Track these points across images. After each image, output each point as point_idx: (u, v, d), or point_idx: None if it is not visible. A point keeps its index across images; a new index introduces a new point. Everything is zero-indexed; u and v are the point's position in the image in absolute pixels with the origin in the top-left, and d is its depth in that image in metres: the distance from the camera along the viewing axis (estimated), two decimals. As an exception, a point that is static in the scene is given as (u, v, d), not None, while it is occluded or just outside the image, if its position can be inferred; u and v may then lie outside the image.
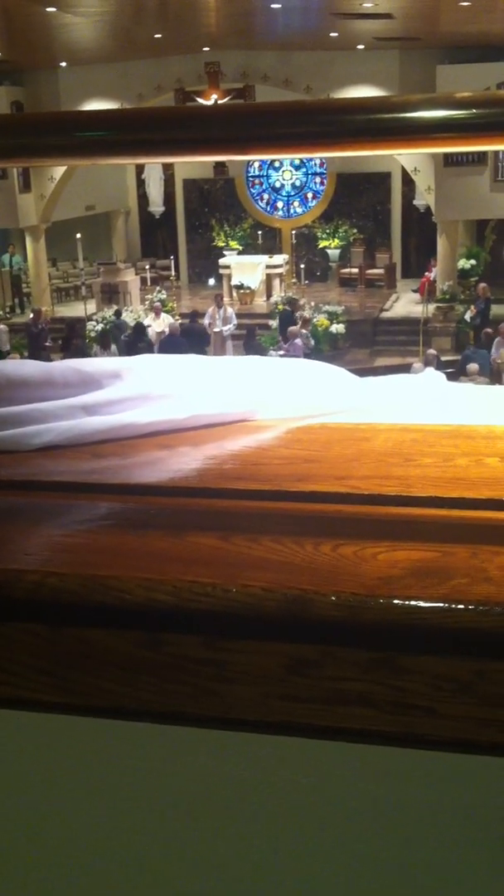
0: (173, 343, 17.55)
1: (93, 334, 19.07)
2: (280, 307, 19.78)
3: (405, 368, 14.44)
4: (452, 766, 1.05)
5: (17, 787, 1.19)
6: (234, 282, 21.63)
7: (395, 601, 1.02)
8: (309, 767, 1.09)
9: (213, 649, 1.06)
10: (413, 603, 1.01)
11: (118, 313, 19.54)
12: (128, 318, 19.53)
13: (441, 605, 1.01)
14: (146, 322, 18.93)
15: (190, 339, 17.52)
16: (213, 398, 1.64)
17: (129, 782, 1.15)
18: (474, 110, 1.21)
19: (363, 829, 1.10)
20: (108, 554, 1.17)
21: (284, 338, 17.68)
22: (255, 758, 1.10)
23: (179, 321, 19.08)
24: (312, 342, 17.59)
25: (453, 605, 1.00)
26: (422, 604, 1.01)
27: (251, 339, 18.04)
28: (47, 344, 18.65)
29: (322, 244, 24.93)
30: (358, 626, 1.02)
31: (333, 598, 1.03)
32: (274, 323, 19.17)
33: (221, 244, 25.08)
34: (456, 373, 14.80)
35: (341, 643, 1.03)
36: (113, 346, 17.93)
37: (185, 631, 1.07)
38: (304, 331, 17.46)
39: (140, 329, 18.38)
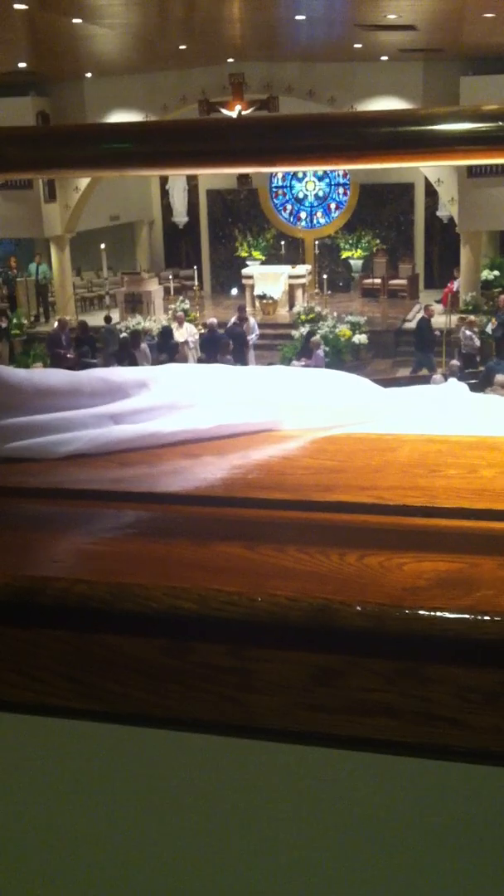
0: (212, 339, 17.83)
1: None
2: (303, 318, 19.78)
3: (427, 379, 14.40)
4: (478, 778, 1.05)
5: (44, 792, 1.19)
6: (257, 292, 21.65)
7: (421, 612, 1.02)
8: (333, 778, 1.09)
9: (238, 658, 1.07)
10: (438, 614, 1.02)
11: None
12: (153, 326, 19.60)
13: (466, 616, 1.01)
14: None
15: (214, 347, 17.70)
16: (239, 408, 1.64)
17: (153, 789, 1.15)
18: (500, 123, 1.22)
19: (387, 840, 1.10)
20: (135, 562, 1.18)
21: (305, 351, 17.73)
22: (279, 767, 1.11)
23: (202, 331, 19.17)
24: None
25: (478, 617, 1.00)
26: (447, 615, 1.01)
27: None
28: (69, 355, 18.76)
29: (345, 255, 24.93)
30: (383, 637, 1.03)
31: (359, 608, 1.03)
32: (296, 333, 19.17)
33: (244, 254, 25.13)
34: (479, 384, 14.74)
35: (366, 653, 1.04)
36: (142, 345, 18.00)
37: (210, 639, 1.08)
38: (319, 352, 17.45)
39: (167, 333, 18.53)
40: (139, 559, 1.19)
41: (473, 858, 1.08)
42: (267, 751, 1.10)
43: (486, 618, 1.00)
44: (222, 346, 17.74)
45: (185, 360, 17.57)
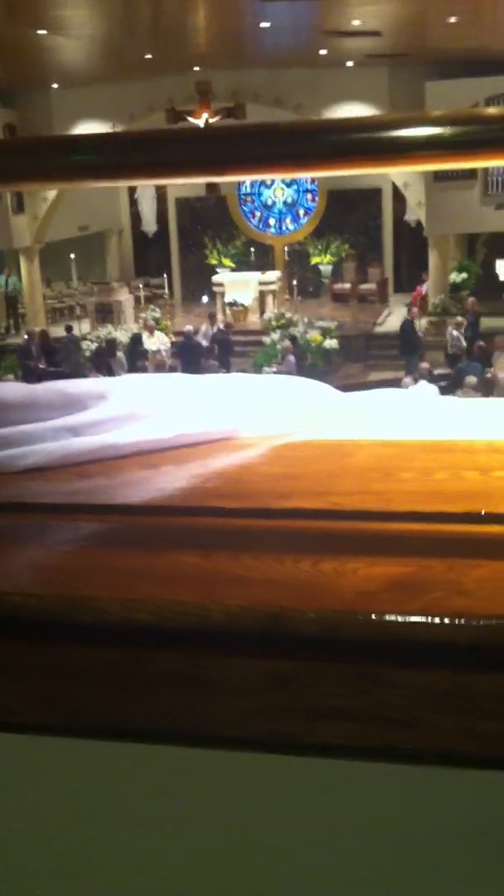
0: (187, 347, 17.94)
1: (87, 353, 19.11)
2: (273, 324, 19.82)
3: (398, 382, 14.46)
4: (433, 779, 1.06)
5: (2, 808, 1.19)
6: (228, 299, 21.67)
7: (373, 616, 1.03)
8: (291, 783, 1.10)
9: (195, 666, 1.07)
10: (390, 618, 1.02)
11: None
12: (121, 335, 19.57)
13: (417, 619, 1.02)
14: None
15: (190, 353, 17.83)
16: (197, 417, 1.65)
17: (113, 801, 1.15)
18: (456, 128, 1.23)
19: (347, 844, 1.10)
20: (90, 574, 1.18)
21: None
22: (238, 774, 1.11)
23: (173, 340, 19.19)
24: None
25: (429, 619, 1.01)
26: (399, 618, 1.02)
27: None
28: (41, 365, 18.73)
29: (314, 260, 25.01)
30: (337, 642, 1.03)
31: (312, 614, 1.04)
32: (267, 339, 19.20)
33: (214, 262, 25.14)
34: (450, 386, 14.82)
35: (321, 659, 1.04)
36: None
37: (165, 649, 1.08)
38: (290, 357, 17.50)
39: (137, 340, 18.60)
40: (94, 571, 1.19)
41: (433, 859, 1.09)
42: (227, 758, 1.10)
43: (437, 620, 1.01)
44: (207, 351, 17.82)
45: (162, 366, 17.57)
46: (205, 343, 18.51)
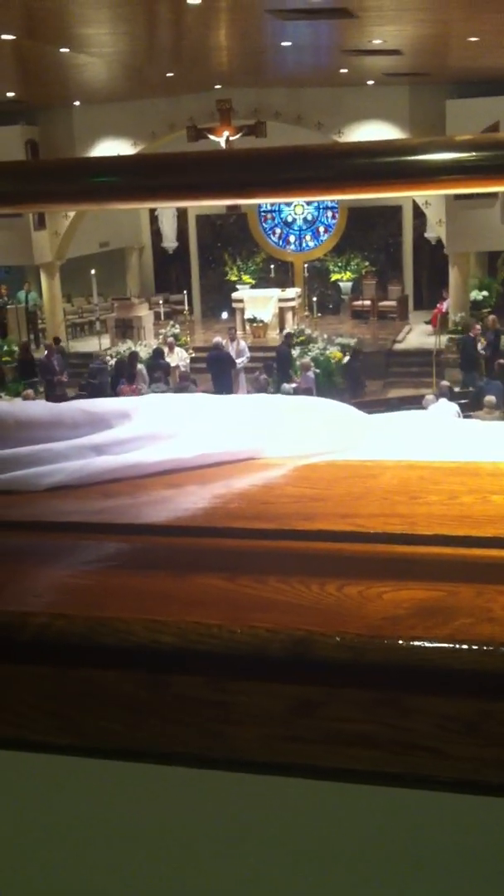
0: (217, 359, 18.18)
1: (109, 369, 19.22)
2: (293, 340, 19.86)
3: (418, 399, 14.45)
4: (458, 807, 1.05)
5: (23, 827, 1.19)
6: (247, 315, 21.74)
7: (400, 642, 1.02)
8: (313, 809, 1.09)
9: (218, 690, 1.07)
10: (417, 643, 1.02)
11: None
12: (142, 351, 19.68)
13: (445, 645, 1.01)
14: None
15: (220, 365, 18.11)
16: (221, 437, 1.65)
17: (133, 823, 1.15)
18: (478, 153, 1.23)
19: (367, 871, 1.10)
20: (114, 595, 1.18)
21: (285, 373, 17.84)
22: (260, 799, 1.10)
23: (192, 355, 19.26)
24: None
25: (457, 646, 1.01)
26: (426, 644, 1.02)
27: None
28: (64, 379, 18.84)
29: (334, 277, 25.06)
30: (362, 667, 1.03)
31: (338, 638, 1.03)
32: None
33: (234, 278, 25.24)
34: (469, 404, 14.80)
35: (346, 684, 1.04)
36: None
37: (189, 672, 1.08)
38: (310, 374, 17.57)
39: (158, 354, 18.80)
40: (119, 592, 1.19)
41: (454, 887, 1.08)
42: (247, 783, 1.09)
43: (465, 647, 1.00)
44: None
45: (183, 381, 17.64)
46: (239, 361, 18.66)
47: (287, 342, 19.11)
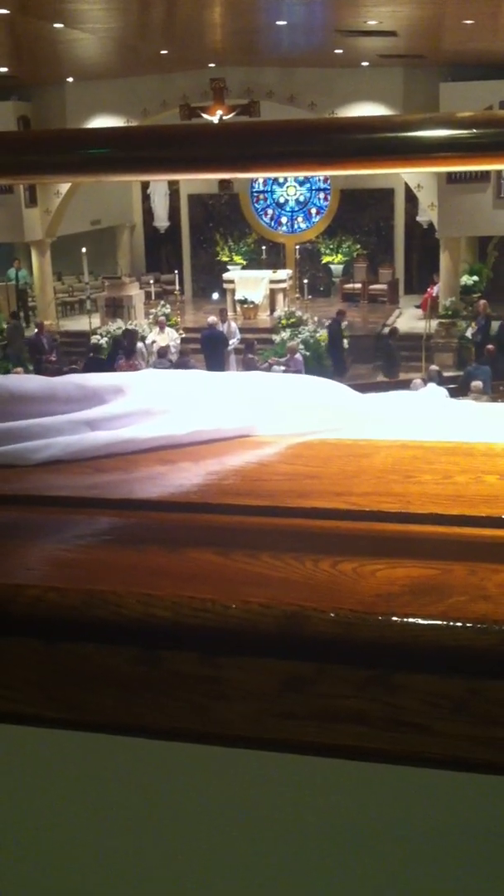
0: (211, 337, 18.27)
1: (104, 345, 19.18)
2: (283, 322, 19.82)
3: (407, 384, 14.45)
4: (446, 785, 1.05)
5: (13, 801, 1.19)
6: (238, 296, 21.68)
7: (393, 618, 1.02)
8: (304, 784, 1.09)
9: (210, 665, 1.07)
10: (410, 620, 1.02)
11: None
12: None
13: (438, 622, 1.01)
14: (151, 337, 19.10)
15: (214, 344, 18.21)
16: (214, 414, 1.64)
17: (125, 797, 1.15)
18: (475, 130, 1.22)
19: (357, 846, 1.10)
20: (107, 569, 1.18)
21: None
22: (251, 774, 1.10)
23: (183, 336, 19.21)
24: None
25: (450, 623, 1.00)
26: (419, 621, 1.01)
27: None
28: (52, 358, 18.79)
29: (325, 259, 25.01)
30: (355, 644, 1.03)
31: (332, 614, 1.03)
32: (277, 338, 19.22)
33: (225, 259, 25.16)
34: (458, 389, 14.81)
35: (338, 660, 1.04)
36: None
37: (182, 647, 1.07)
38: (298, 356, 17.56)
39: (131, 335, 18.75)
40: (112, 566, 1.19)
41: (444, 864, 1.08)
42: (239, 758, 1.10)
43: (458, 624, 1.00)
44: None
45: (178, 361, 17.61)
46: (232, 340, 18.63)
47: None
